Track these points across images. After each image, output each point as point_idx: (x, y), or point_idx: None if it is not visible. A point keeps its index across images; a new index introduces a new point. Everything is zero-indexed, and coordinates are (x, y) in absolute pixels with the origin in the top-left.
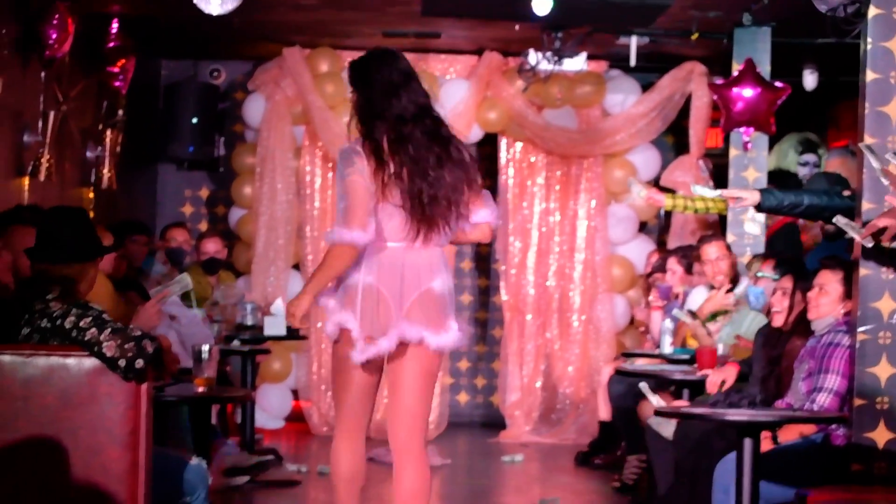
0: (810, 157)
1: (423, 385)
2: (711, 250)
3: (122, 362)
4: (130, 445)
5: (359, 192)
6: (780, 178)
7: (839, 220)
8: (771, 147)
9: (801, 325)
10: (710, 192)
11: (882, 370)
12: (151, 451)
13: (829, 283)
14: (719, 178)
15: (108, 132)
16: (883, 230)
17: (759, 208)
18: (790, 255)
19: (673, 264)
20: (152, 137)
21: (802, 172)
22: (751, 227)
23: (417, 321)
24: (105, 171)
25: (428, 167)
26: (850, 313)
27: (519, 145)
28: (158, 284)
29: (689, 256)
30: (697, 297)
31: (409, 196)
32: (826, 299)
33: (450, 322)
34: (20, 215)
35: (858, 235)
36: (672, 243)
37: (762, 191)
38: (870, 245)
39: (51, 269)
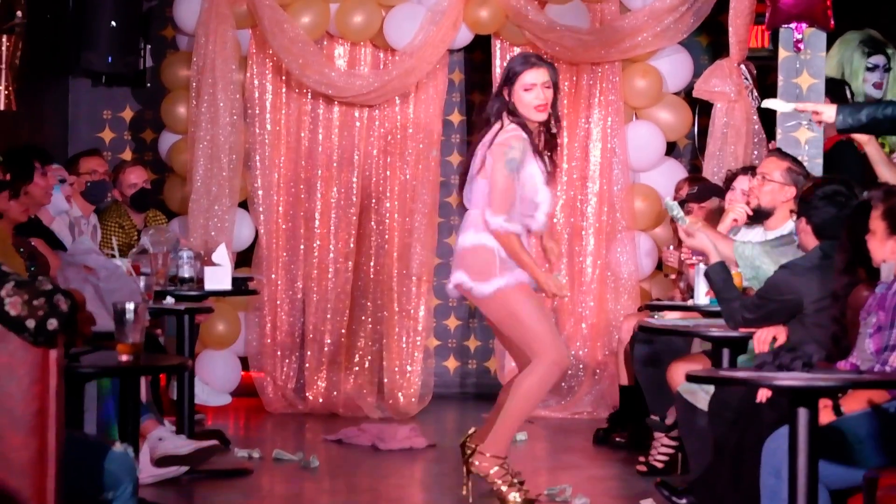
0: (879, 60)
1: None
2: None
3: (30, 322)
4: (37, 430)
5: None
6: (835, 89)
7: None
8: (828, 48)
9: (867, 272)
10: (785, 107)
11: None
12: (64, 437)
13: (873, 221)
14: (764, 85)
15: (4, 39)
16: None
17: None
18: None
19: (744, 183)
20: (60, 46)
21: (872, 79)
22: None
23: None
24: (1, 87)
25: None
26: None
27: (517, 50)
28: (73, 228)
29: None
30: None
31: None
32: (874, 241)
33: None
34: None
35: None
36: (708, 167)
37: (839, 105)
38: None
39: None
